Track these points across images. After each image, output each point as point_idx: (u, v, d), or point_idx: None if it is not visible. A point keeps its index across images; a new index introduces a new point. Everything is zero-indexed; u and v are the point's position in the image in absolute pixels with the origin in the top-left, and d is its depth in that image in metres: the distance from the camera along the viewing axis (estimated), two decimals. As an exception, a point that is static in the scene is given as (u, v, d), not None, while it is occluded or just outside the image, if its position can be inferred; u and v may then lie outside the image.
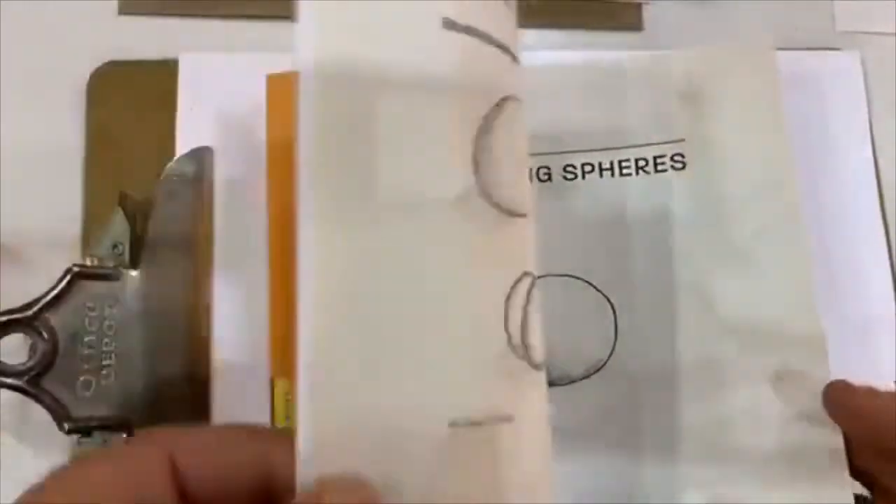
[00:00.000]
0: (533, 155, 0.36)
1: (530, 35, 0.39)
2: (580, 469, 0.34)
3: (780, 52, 0.40)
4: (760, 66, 0.37)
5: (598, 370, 0.35)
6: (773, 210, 0.35)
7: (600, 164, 0.36)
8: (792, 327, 0.34)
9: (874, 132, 0.39)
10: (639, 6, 0.41)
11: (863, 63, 0.40)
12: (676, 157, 0.36)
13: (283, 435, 0.19)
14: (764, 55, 0.37)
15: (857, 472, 0.31)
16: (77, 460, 0.19)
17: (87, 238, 0.35)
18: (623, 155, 0.36)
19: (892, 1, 0.41)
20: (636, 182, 0.36)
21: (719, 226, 0.35)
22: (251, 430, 0.20)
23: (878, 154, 0.39)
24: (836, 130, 0.39)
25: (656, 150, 0.36)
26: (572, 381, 0.34)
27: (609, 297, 0.35)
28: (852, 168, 0.39)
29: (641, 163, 0.36)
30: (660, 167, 0.36)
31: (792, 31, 0.41)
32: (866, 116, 0.39)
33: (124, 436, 0.32)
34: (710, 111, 0.36)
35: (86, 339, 0.32)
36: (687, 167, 0.36)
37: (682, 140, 0.36)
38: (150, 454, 0.18)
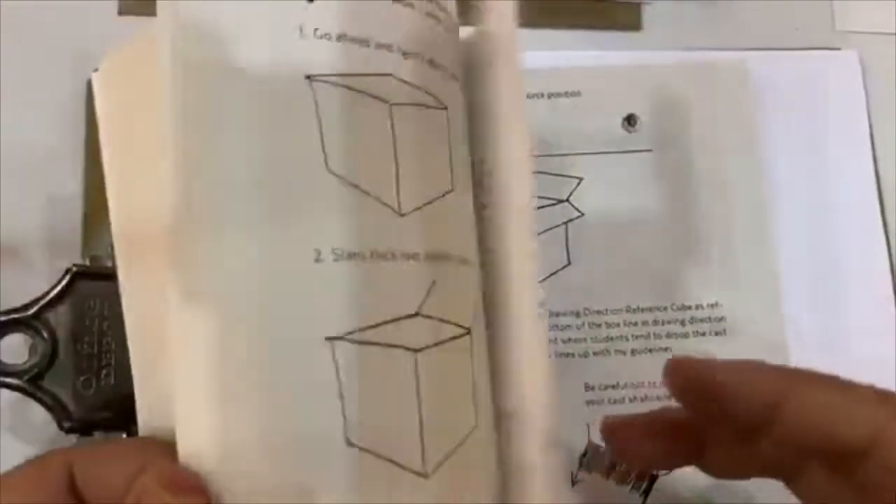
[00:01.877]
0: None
1: (529, 35, 0.39)
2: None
3: (779, 52, 0.40)
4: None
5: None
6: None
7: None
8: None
9: (874, 132, 0.39)
10: (638, 6, 0.41)
11: (862, 63, 0.40)
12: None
13: (167, 445, 0.20)
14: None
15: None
16: None
17: (87, 238, 0.35)
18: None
19: (891, 0, 0.41)
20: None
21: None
22: (140, 443, 0.22)
23: (877, 154, 0.39)
24: (835, 130, 0.39)
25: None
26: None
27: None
28: (852, 168, 0.39)
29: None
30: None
31: (791, 30, 0.41)
32: (866, 116, 0.39)
33: (123, 435, 0.32)
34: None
35: (86, 338, 0.32)
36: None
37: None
38: (51, 465, 0.21)
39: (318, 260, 0.20)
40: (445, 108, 0.23)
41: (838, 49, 0.41)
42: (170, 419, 0.20)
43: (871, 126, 0.39)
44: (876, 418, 0.22)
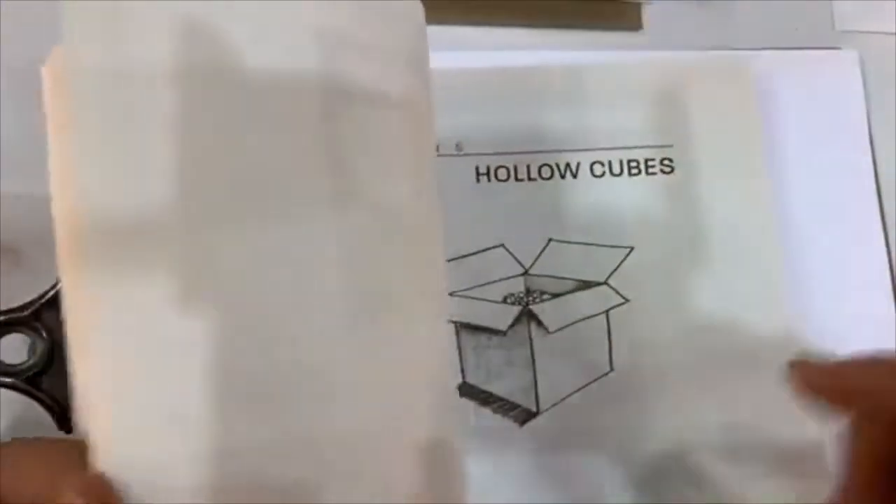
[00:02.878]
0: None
1: (530, 35, 0.39)
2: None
3: (779, 52, 0.40)
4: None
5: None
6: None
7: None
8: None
9: (873, 131, 0.39)
10: (638, 6, 0.41)
11: (862, 62, 0.40)
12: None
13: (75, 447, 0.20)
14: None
15: None
16: None
17: (87, 238, 0.35)
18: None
19: (891, 0, 0.41)
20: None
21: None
22: (65, 446, 0.22)
23: (876, 153, 0.39)
24: (834, 130, 0.39)
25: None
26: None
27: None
28: (851, 167, 0.39)
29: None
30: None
31: (791, 30, 0.41)
32: (865, 116, 0.39)
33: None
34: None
35: (85, 338, 0.32)
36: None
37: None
38: None
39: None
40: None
41: (838, 49, 0.40)
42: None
43: (870, 125, 0.39)
44: None
